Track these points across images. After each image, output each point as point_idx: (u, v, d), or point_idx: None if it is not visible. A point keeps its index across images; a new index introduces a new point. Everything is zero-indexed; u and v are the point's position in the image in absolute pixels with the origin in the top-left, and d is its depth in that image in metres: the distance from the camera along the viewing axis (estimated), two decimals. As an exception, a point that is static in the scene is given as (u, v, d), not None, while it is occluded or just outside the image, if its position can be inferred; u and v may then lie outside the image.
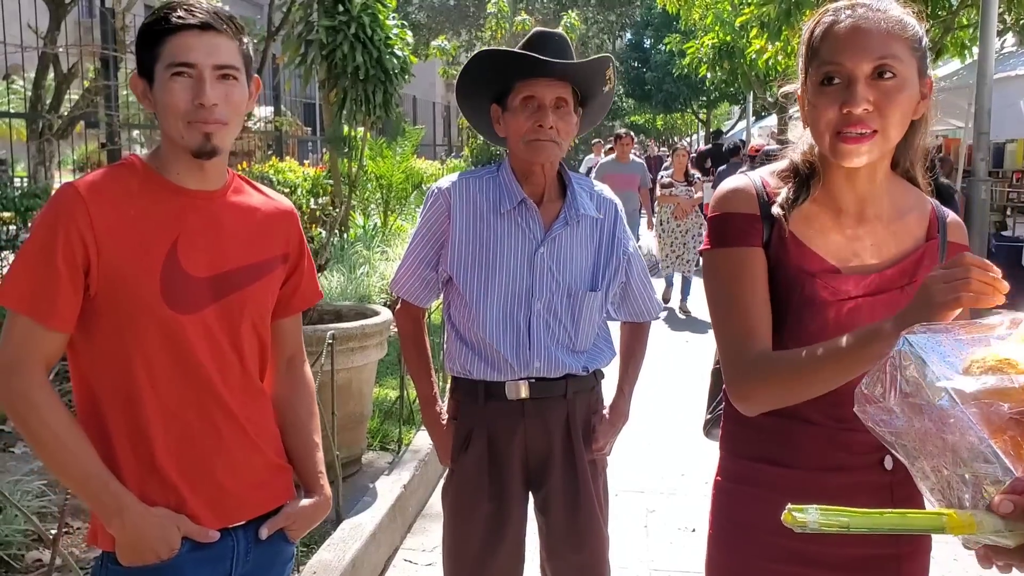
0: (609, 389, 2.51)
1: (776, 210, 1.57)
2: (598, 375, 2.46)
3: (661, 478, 4.94)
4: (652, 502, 4.61)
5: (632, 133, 11.08)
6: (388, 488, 4.12)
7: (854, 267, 1.56)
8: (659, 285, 9.43)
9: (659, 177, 10.45)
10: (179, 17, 1.62)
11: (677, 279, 10.30)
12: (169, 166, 1.70)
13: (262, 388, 1.84)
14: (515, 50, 2.26)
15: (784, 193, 1.59)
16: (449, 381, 2.49)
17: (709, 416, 1.99)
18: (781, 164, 1.66)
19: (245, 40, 1.70)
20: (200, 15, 1.63)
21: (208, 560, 1.73)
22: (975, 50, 9.59)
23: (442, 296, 2.46)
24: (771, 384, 1.49)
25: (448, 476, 2.46)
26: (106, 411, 1.67)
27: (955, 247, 1.61)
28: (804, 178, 1.59)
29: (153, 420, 1.66)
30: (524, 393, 2.32)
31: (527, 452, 2.36)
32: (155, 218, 1.66)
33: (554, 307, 2.31)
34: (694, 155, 18.93)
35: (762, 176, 1.64)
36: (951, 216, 1.66)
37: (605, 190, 2.47)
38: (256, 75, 1.77)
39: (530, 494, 2.43)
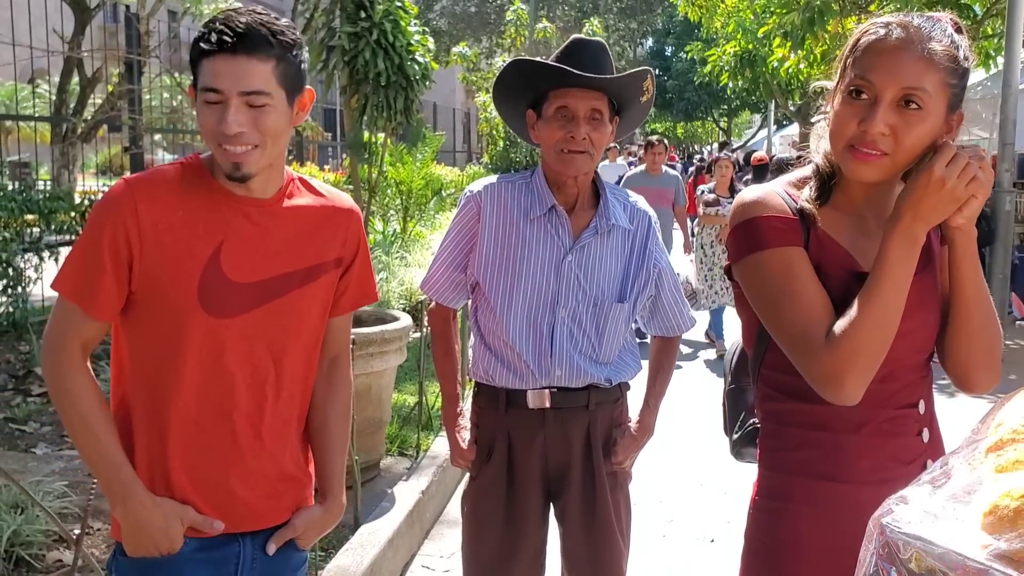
0: (636, 402, 2.48)
1: (804, 205, 1.56)
2: (623, 388, 2.43)
3: (680, 487, 4.91)
4: (671, 511, 4.59)
5: (665, 140, 9.13)
6: (406, 494, 4.12)
7: None
8: (702, 319, 8.64)
9: (700, 192, 8.76)
10: (211, 38, 1.59)
11: (729, 314, 8.32)
12: (219, 174, 1.71)
13: (297, 395, 1.82)
14: (550, 63, 2.24)
15: (807, 192, 1.59)
16: (472, 386, 2.48)
17: (737, 436, 1.92)
18: (798, 173, 1.66)
19: (291, 55, 1.63)
20: (232, 36, 1.57)
21: (212, 562, 1.74)
22: (1000, 60, 9.52)
23: (470, 301, 2.46)
24: (856, 349, 1.42)
25: (469, 482, 2.47)
26: (132, 404, 1.71)
27: None
28: (826, 178, 1.58)
29: (173, 421, 1.68)
30: (545, 402, 2.31)
31: (546, 462, 2.35)
32: (203, 221, 1.67)
33: (579, 316, 2.29)
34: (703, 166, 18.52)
35: (782, 186, 1.63)
36: None
37: (640, 201, 2.44)
38: (309, 87, 1.73)
39: (551, 504, 2.42)
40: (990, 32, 10.44)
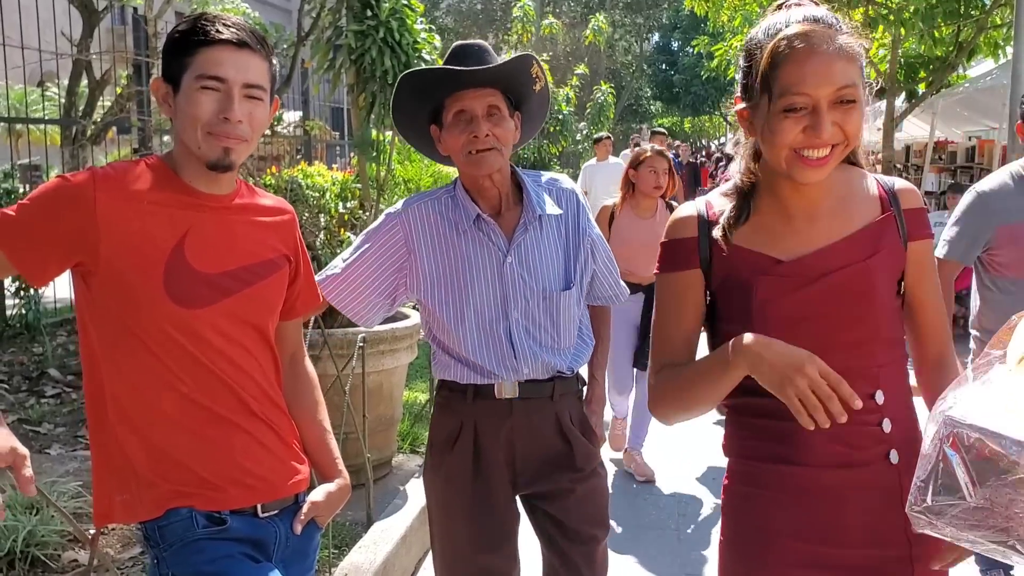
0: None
1: (716, 232, 1.63)
2: (579, 378, 2.44)
3: (695, 483, 4.91)
4: (685, 507, 4.59)
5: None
6: (419, 491, 4.11)
7: (803, 254, 1.60)
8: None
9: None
10: (217, 31, 1.66)
11: None
12: (182, 169, 1.75)
13: (274, 382, 1.88)
14: (432, 67, 2.25)
15: (726, 212, 1.64)
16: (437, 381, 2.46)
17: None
18: (732, 183, 1.71)
19: (274, 62, 1.76)
20: (237, 32, 1.68)
21: (252, 543, 1.78)
22: (1009, 50, 9.46)
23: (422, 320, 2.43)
24: (667, 399, 1.65)
25: (433, 468, 2.40)
26: (113, 398, 1.71)
27: (911, 213, 1.67)
28: (745, 195, 1.65)
29: (162, 415, 1.70)
30: (513, 392, 2.31)
31: (513, 452, 2.34)
32: (165, 213, 1.70)
33: (532, 313, 2.29)
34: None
35: (707, 199, 1.71)
36: (899, 183, 1.70)
37: (562, 180, 2.42)
38: (276, 96, 1.81)
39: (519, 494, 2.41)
40: (999, 22, 10.36)
